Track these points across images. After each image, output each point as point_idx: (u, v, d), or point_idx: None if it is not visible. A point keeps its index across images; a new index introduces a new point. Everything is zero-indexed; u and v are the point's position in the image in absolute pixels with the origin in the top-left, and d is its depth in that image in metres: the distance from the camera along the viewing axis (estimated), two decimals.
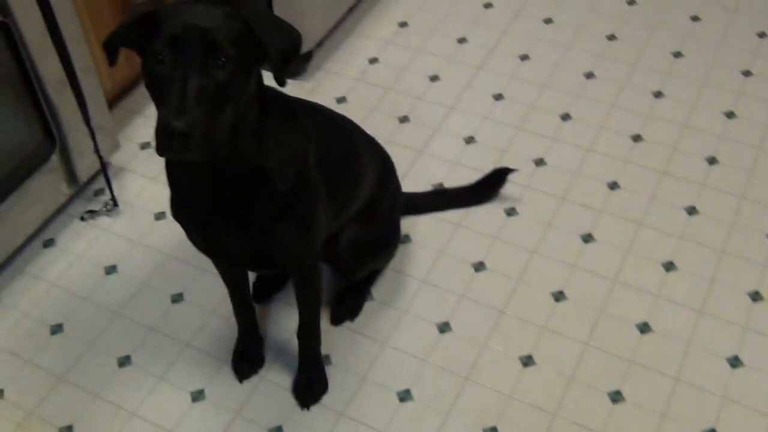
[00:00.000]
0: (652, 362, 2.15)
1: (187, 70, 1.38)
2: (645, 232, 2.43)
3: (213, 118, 1.40)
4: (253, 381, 2.14)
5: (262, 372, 2.15)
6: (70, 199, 2.51)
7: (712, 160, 2.61)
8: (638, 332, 2.20)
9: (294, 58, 1.53)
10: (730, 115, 2.74)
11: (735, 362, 2.14)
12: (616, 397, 2.08)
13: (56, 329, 2.25)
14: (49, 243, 2.45)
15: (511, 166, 2.49)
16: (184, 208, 1.76)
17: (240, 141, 1.54)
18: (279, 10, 2.70)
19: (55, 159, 2.34)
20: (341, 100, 2.84)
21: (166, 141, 1.37)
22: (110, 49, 1.50)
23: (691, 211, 2.47)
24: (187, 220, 1.78)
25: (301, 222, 1.74)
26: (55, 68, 2.23)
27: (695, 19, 3.10)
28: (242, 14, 1.44)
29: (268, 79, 1.52)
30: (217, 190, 1.63)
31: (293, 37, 1.52)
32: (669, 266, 2.34)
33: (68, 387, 2.13)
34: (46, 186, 2.36)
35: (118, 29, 1.47)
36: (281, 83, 1.52)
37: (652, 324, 2.22)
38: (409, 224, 2.45)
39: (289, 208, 1.70)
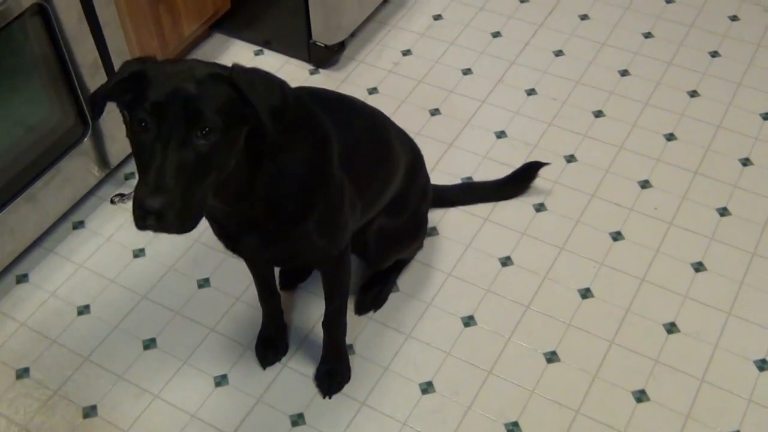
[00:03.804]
0: (678, 362, 2.12)
1: (167, 142, 1.34)
2: (675, 231, 2.40)
3: (190, 192, 1.37)
4: (276, 368, 2.14)
5: (285, 359, 2.16)
6: (101, 182, 2.53)
7: (746, 162, 2.57)
8: (665, 332, 2.18)
9: (286, 113, 1.46)
10: (765, 116, 2.70)
11: (762, 365, 2.11)
12: (640, 396, 2.06)
13: (83, 310, 2.27)
14: (78, 225, 2.47)
15: (542, 161, 2.48)
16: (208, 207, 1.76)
17: (233, 188, 1.53)
18: (315, 1, 2.70)
19: (87, 142, 2.37)
20: (372, 91, 2.84)
21: (140, 218, 1.35)
22: (96, 103, 1.46)
23: (723, 212, 2.44)
24: (211, 219, 1.78)
25: (323, 220, 1.74)
26: (90, 52, 2.25)
27: (734, 18, 3.05)
28: (229, 75, 1.40)
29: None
30: (232, 211, 1.64)
31: (283, 91, 1.46)
32: (698, 267, 2.31)
33: (93, 368, 2.15)
34: (77, 168, 2.38)
35: (106, 85, 1.44)
36: (272, 135, 1.46)
37: (679, 324, 2.20)
38: (437, 217, 2.44)
39: (311, 208, 1.70)
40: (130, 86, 1.39)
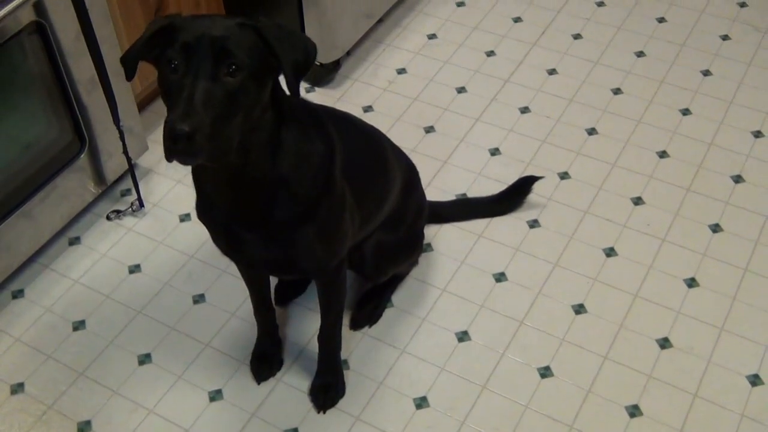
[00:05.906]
0: (671, 378, 2.13)
1: (197, 75, 1.39)
2: (668, 248, 2.42)
3: (220, 123, 1.40)
4: (270, 383, 2.15)
5: (280, 374, 2.16)
6: (97, 199, 2.54)
7: (738, 179, 2.59)
8: (658, 347, 2.19)
9: (308, 69, 1.53)
10: (757, 134, 2.73)
11: (755, 380, 2.12)
12: (633, 411, 2.07)
13: (78, 326, 2.28)
14: (74, 241, 2.48)
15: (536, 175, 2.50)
16: (208, 211, 1.78)
17: (255, 151, 1.55)
18: (310, 19, 2.72)
19: (83, 158, 2.38)
20: (368, 108, 2.86)
21: (171, 144, 1.38)
22: (128, 63, 1.52)
23: (716, 228, 2.46)
24: (211, 222, 1.80)
25: (323, 228, 1.75)
26: (87, 69, 2.27)
27: (725, 38, 3.09)
28: (255, 25, 1.45)
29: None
30: (238, 197, 1.65)
31: (307, 47, 1.52)
32: (691, 283, 2.33)
33: (88, 383, 2.15)
34: (74, 184, 2.39)
35: (136, 43, 1.49)
36: (294, 94, 1.51)
37: (672, 339, 2.21)
38: (432, 233, 2.45)
39: (312, 214, 1.71)
40: (157, 41, 1.45)
